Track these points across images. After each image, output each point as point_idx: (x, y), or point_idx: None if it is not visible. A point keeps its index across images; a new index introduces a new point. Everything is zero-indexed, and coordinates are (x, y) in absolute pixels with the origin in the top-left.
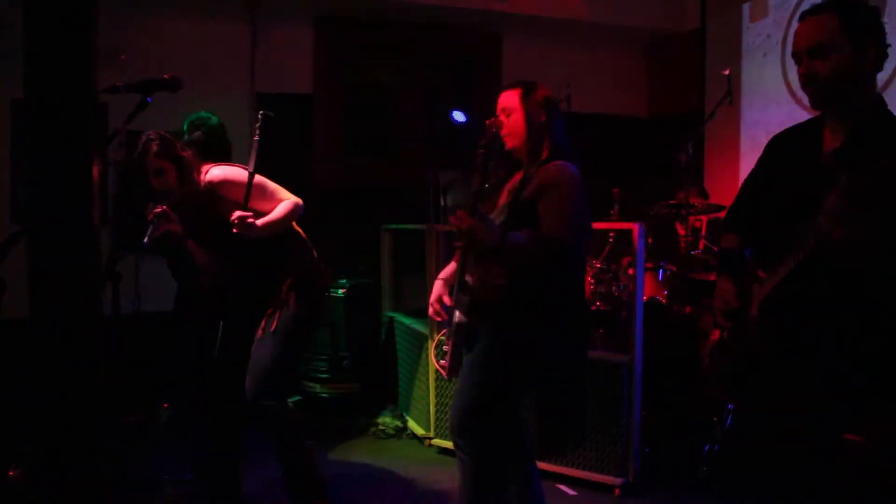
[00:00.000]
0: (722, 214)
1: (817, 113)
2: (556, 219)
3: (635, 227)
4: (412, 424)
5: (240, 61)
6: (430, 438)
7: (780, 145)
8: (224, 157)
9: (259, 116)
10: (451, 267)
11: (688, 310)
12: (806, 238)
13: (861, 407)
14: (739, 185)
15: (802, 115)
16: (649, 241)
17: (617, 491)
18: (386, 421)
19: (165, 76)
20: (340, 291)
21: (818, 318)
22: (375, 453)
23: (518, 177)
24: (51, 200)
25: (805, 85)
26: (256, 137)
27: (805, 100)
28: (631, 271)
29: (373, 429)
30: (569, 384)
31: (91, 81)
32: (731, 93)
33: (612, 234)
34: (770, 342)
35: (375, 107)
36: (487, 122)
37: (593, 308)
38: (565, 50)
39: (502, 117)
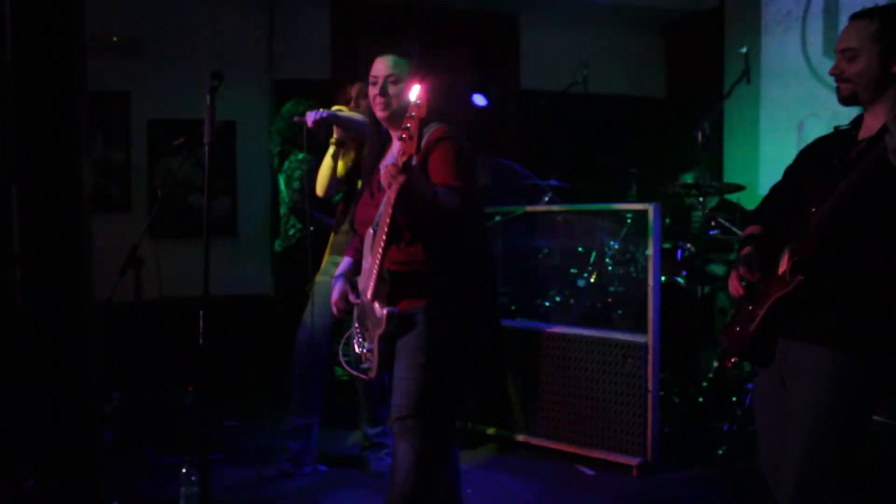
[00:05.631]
0: (737, 196)
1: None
2: (446, 169)
3: (651, 208)
4: None
5: (258, 48)
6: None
7: (812, 149)
8: None
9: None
10: (348, 262)
11: (707, 289)
12: (842, 185)
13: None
14: (759, 164)
15: (823, 93)
16: (666, 221)
17: (635, 471)
18: None
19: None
20: None
21: (863, 268)
22: None
23: (397, 148)
24: (40, 188)
25: (837, 80)
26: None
27: (827, 77)
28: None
29: None
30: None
31: (80, 71)
32: (749, 72)
33: (629, 216)
34: (813, 294)
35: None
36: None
37: (612, 289)
38: (582, 30)
39: (387, 86)
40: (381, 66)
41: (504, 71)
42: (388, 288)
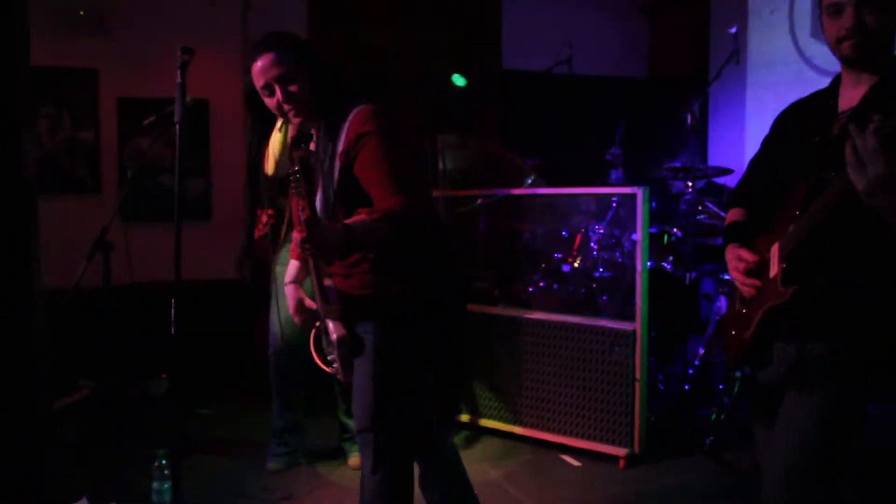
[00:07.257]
0: (724, 179)
1: (827, 79)
2: (375, 181)
3: (638, 192)
4: None
5: (232, 25)
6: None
7: (788, 118)
8: None
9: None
10: (295, 266)
11: (694, 275)
12: (835, 181)
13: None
14: (744, 146)
15: (810, 75)
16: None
17: (622, 462)
18: None
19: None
20: None
21: (858, 264)
22: None
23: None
24: None
25: (850, 36)
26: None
27: (815, 59)
28: (635, 237)
29: None
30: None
31: (22, 52)
32: (738, 52)
33: (614, 200)
34: (808, 295)
35: (372, 71)
36: (296, 154)
37: (597, 275)
38: (565, 10)
39: (284, 89)
40: (266, 70)
41: (485, 50)
42: (337, 307)
